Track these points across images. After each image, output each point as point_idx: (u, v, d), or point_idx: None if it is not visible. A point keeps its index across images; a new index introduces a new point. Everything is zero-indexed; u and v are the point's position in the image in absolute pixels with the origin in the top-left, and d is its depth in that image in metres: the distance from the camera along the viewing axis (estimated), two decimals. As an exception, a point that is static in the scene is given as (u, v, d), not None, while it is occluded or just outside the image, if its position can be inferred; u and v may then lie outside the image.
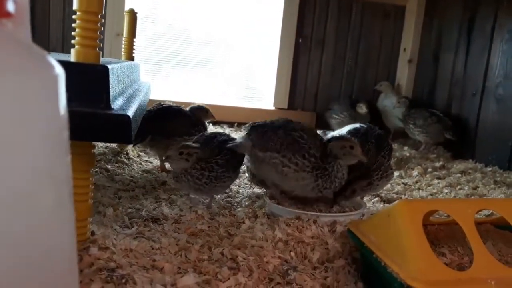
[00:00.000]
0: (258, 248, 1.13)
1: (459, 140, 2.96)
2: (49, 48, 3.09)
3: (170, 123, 2.04)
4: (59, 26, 3.09)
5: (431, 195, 2.03)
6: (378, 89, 3.49)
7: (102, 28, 3.03)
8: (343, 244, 1.16)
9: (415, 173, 2.44)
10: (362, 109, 3.21)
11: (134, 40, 2.18)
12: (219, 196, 1.68)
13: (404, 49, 3.56)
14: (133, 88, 1.58)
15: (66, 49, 3.11)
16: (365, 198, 1.85)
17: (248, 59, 3.59)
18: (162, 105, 2.14)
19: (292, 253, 1.13)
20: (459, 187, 2.19)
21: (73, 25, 0.99)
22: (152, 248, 1.15)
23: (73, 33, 1.00)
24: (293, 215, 1.33)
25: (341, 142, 1.40)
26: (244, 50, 3.55)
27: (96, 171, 1.85)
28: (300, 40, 3.49)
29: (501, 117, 2.70)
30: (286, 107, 3.53)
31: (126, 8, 3.10)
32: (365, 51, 3.64)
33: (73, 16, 0.99)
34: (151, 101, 3.04)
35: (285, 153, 1.38)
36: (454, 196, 2.02)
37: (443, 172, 2.50)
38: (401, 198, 1.93)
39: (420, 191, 2.07)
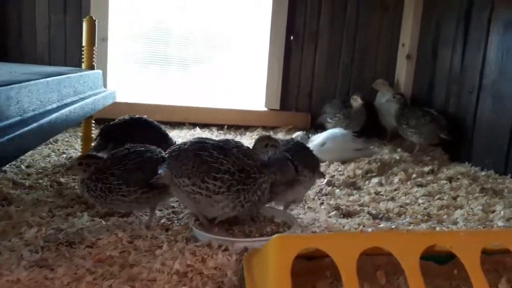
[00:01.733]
0: (149, 281, 1.06)
1: (457, 141, 2.76)
2: (36, 54, 3.12)
3: (135, 134, 1.99)
4: (45, 32, 3.11)
5: (401, 206, 1.88)
6: (374, 87, 3.32)
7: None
8: (241, 277, 1.07)
9: (396, 179, 2.29)
10: (357, 101, 3.04)
11: (94, 48, 2.14)
12: (161, 212, 1.61)
13: (403, 44, 3.36)
14: (66, 101, 1.54)
15: (52, 55, 3.13)
16: (323, 212, 1.74)
17: (238, 58, 3.49)
18: (132, 116, 2.10)
19: (183, 289, 1.05)
20: (437, 196, 2.03)
21: None
22: (46, 278, 1.10)
23: None
24: (208, 240, 1.25)
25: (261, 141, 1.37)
26: (233, 49, 3.46)
27: (45, 185, 1.82)
28: (292, 37, 3.36)
29: (497, 117, 2.49)
30: (278, 107, 3.42)
31: (111, 12, 3.10)
32: (362, 47, 3.46)
33: None
34: (140, 105, 3.02)
35: (195, 179, 1.28)
36: (426, 208, 1.86)
37: (429, 178, 2.33)
38: (364, 210, 1.80)
39: (389, 202, 1.92)
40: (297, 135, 2.89)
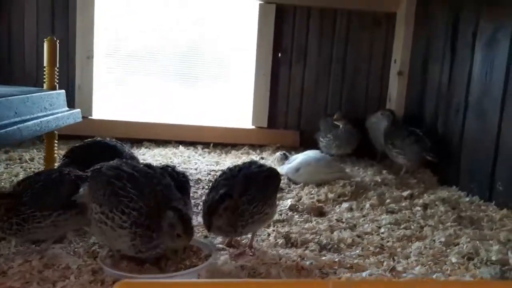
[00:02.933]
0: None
1: (445, 163, 2.61)
2: (25, 73, 3.17)
3: (93, 155, 1.96)
4: (33, 52, 3.15)
5: (359, 236, 1.77)
6: None
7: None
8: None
9: (367, 205, 2.16)
10: (338, 120, 2.93)
11: (56, 68, 2.14)
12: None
13: (395, 60, 3.23)
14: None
15: (40, 74, 3.17)
16: (271, 241, 1.65)
17: (225, 75, 3.44)
18: (97, 139, 2.08)
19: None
20: (404, 225, 1.90)
21: None
22: None
23: None
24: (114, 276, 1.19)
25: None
26: (221, 66, 3.41)
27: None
28: (279, 54, 3.29)
29: (481, 138, 2.33)
30: (266, 125, 3.34)
31: (97, 30, 3.12)
32: (353, 63, 3.35)
33: None
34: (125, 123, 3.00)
35: (105, 207, 1.22)
36: (383, 239, 1.74)
37: (404, 204, 2.19)
38: (315, 241, 1.69)
39: (347, 231, 1.81)
40: (275, 156, 2.82)
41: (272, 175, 1.60)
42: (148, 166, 1.43)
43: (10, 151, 2.78)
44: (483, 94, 2.31)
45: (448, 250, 1.61)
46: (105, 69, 3.28)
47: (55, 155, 2.22)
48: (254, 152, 3.19)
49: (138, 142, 3.19)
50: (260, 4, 3.18)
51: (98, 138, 2.12)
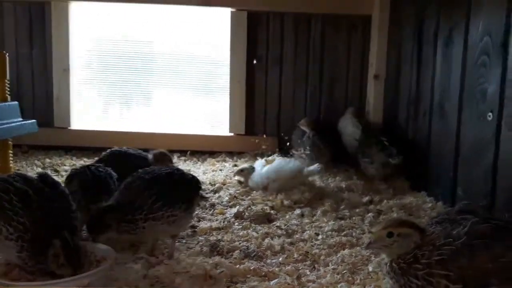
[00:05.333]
0: None
1: (415, 168, 2.51)
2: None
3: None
4: (13, 65, 3.25)
5: (292, 243, 1.71)
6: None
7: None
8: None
9: (319, 211, 2.09)
10: (306, 127, 2.87)
11: (7, 80, 2.19)
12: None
13: (372, 64, 3.15)
14: None
15: (20, 87, 3.26)
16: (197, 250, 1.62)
17: (202, 83, 3.44)
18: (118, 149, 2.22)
19: None
20: (344, 232, 1.83)
21: None
22: None
23: None
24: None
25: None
26: (197, 74, 3.41)
27: None
28: (254, 61, 3.27)
29: (443, 142, 2.23)
30: (243, 132, 3.31)
31: (72, 43, 3.19)
32: (330, 68, 3.29)
33: None
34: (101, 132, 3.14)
35: None
36: (312, 246, 1.67)
37: (357, 210, 2.11)
38: (242, 248, 1.64)
39: (280, 238, 1.75)
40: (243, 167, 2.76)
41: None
42: (52, 184, 1.41)
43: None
44: (443, 95, 2.22)
45: (372, 259, 1.53)
46: (82, 80, 3.34)
47: (11, 165, 2.25)
48: (230, 160, 3.16)
49: (115, 151, 3.21)
50: (231, 12, 3.17)
51: (125, 148, 2.25)
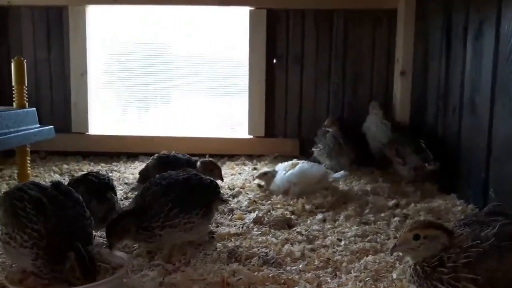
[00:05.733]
0: None
1: (445, 169, 2.37)
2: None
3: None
4: (32, 70, 3.25)
5: (313, 250, 1.62)
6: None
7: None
8: None
9: (342, 216, 1.99)
10: (330, 127, 2.76)
11: (25, 87, 2.17)
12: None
13: (398, 59, 3.02)
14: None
15: (38, 92, 3.26)
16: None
17: (221, 86, 3.37)
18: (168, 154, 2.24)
19: None
20: (368, 238, 1.73)
21: None
22: None
23: None
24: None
25: None
26: (216, 77, 3.35)
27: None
28: (274, 60, 3.18)
29: (474, 139, 2.09)
30: (263, 134, 3.23)
31: (89, 47, 3.17)
32: (354, 65, 3.17)
33: None
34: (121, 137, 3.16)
35: (9, 228, 1.23)
36: (334, 253, 1.58)
37: (383, 215, 2.00)
38: (261, 255, 1.56)
39: (301, 244, 1.66)
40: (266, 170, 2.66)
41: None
42: (65, 191, 1.38)
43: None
44: (474, 91, 2.08)
45: (397, 265, 1.43)
46: (100, 84, 3.33)
47: (28, 171, 2.24)
48: (250, 163, 3.08)
49: (134, 156, 3.18)
50: (250, 11, 3.10)
51: (173, 152, 2.27)
